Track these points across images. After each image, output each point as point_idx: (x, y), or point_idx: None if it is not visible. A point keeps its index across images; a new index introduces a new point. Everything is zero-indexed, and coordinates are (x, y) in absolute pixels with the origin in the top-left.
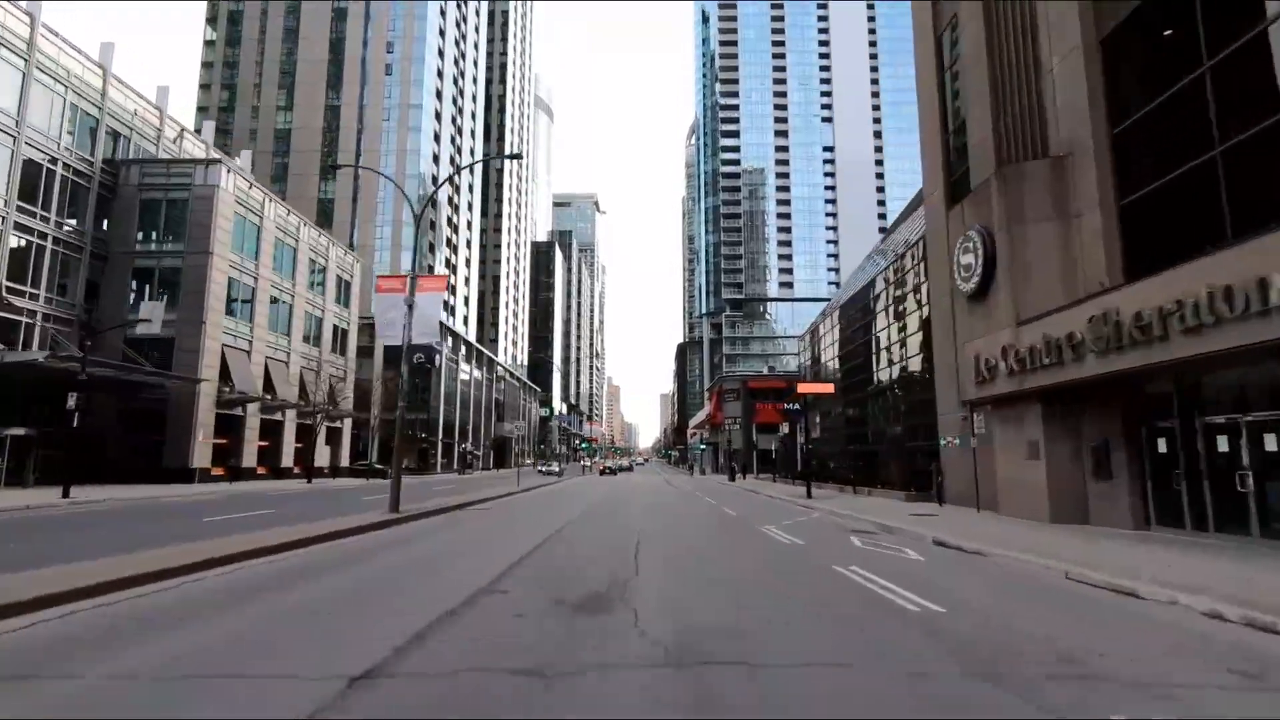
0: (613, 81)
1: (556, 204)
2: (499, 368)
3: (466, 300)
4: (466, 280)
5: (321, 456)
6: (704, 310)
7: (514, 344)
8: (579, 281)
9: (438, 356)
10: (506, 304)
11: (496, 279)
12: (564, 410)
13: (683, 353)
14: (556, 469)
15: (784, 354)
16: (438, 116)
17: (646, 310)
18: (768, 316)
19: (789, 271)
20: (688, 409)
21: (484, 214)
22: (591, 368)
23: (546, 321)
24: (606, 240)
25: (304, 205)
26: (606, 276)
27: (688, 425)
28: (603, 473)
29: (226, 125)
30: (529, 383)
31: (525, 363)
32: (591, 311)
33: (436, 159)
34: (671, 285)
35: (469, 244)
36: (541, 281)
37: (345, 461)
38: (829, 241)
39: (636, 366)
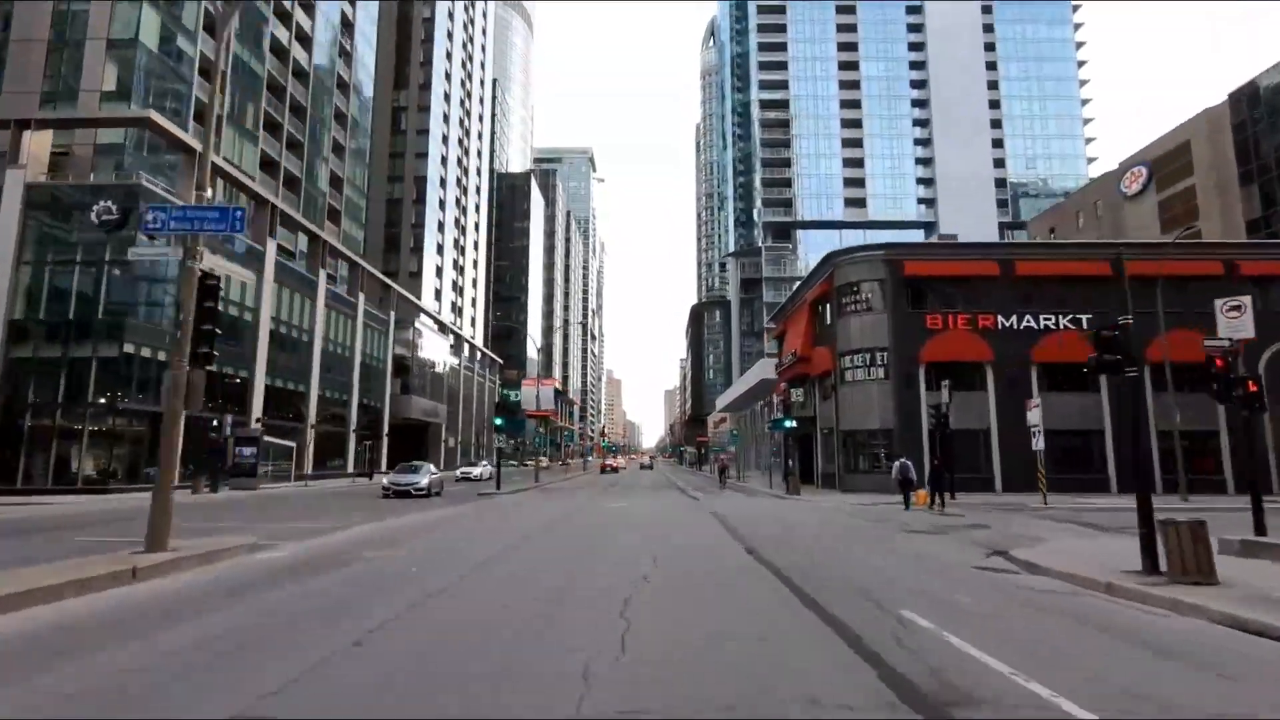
0: (608, 64)
1: (542, 160)
2: (422, 314)
3: (337, 182)
4: (339, 150)
5: None
6: (731, 249)
7: (458, 292)
8: (568, 242)
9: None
10: (444, 226)
11: (422, 183)
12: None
13: (698, 318)
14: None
15: None
16: None
17: (649, 311)
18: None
19: (859, 184)
20: (704, 391)
21: (401, 85)
22: (585, 350)
23: (519, 279)
24: (605, 219)
25: None
26: (606, 255)
27: (707, 412)
28: (603, 470)
29: None
30: (483, 349)
31: (479, 322)
32: (586, 286)
33: None
34: (675, 282)
35: (355, 90)
36: (516, 228)
37: None
38: (918, 142)
39: (638, 367)
